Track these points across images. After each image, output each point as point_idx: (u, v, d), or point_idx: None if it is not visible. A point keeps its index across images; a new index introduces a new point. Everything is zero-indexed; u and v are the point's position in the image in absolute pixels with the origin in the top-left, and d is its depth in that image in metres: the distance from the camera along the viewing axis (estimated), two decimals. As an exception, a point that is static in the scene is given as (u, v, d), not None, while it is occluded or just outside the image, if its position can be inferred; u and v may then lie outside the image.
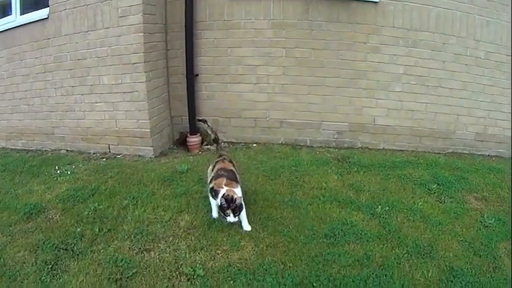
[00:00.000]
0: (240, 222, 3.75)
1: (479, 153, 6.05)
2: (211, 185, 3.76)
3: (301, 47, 5.82)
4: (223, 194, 3.53)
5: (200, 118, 4.61)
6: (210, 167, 4.19)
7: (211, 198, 3.83)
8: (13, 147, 6.67)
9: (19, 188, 4.90)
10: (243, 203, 3.62)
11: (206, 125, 4.75)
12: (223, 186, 3.63)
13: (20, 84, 6.35)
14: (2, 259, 3.49)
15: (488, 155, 6.04)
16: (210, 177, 3.94)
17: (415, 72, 5.78)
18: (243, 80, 6.04)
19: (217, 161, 4.13)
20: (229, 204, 3.49)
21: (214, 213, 3.94)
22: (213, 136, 4.74)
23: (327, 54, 5.80)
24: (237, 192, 3.63)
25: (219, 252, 3.48)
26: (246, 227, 3.74)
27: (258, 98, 6.09)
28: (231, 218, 3.54)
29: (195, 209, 4.17)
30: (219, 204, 3.55)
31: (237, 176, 3.98)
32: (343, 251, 3.46)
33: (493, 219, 3.98)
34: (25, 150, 6.52)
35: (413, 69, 5.77)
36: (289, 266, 3.28)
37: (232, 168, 4.05)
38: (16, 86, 6.39)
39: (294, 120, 6.13)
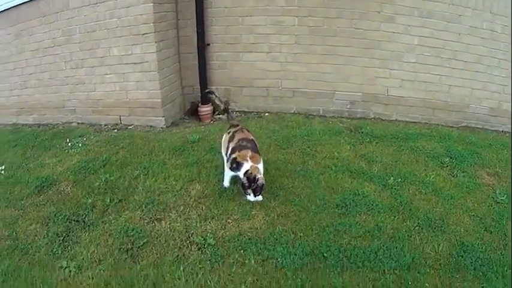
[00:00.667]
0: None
1: (492, 128, 5.95)
2: (233, 156, 3.64)
3: (314, 16, 5.71)
4: (246, 171, 3.46)
5: (208, 90, 4.50)
6: (226, 137, 4.02)
7: (227, 168, 3.80)
8: (24, 123, 6.70)
9: (30, 162, 4.93)
10: (264, 182, 3.50)
11: (214, 96, 4.62)
12: (248, 159, 3.54)
13: (30, 60, 6.34)
14: (14, 233, 3.54)
15: (502, 131, 5.93)
16: (229, 147, 3.81)
17: (429, 43, 5.66)
18: (255, 49, 5.98)
19: (236, 131, 3.96)
20: (251, 184, 3.42)
21: (226, 183, 3.94)
22: (222, 106, 4.59)
23: (340, 23, 5.70)
24: (260, 168, 3.55)
25: (230, 221, 3.49)
26: (259, 197, 3.64)
27: (270, 67, 6.04)
28: (250, 197, 3.51)
29: (206, 178, 4.17)
30: (241, 182, 3.51)
31: (257, 146, 3.89)
32: (354, 222, 3.45)
33: (505, 195, 3.93)
34: (36, 124, 6.54)
35: (428, 40, 5.65)
36: (300, 236, 3.28)
37: (253, 138, 3.94)
38: (25, 62, 6.39)
39: (306, 90, 6.07)
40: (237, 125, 4.11)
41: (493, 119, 5.96)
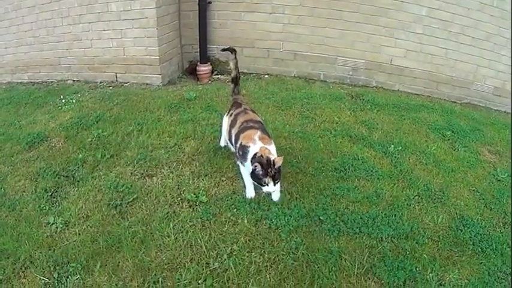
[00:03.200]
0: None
1: (495, 108, 5.90)
2: (239, 143, 3.02)
3: (321, -22, 5.59)
4: (255, 155, 2.82)
5: (228, 47, 3.72)
6: (226, 119, 3.47)
7: (239, 163, 3.14)
8: (19, 81, 6.64)
9: (23, 119, 4.86)
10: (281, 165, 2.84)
11: (233, 57, 3.63)
12: (256, 140, 2.92)
13: (26, 17, 6.22)
14: (2, 189, 3.49)
15: (505, 112, 5.87)
16: (232, 133, 3.23)
17: (438, 15, 5.53)
18: (258, 9, 5.84)
19: (238, 113, 3.30)
20: (267, 170, 2.73)
21: (222, 142, 3.80)
22: (234, 73, 3.63)
23: (347, -13, 5.58)
24: (273, 151, 2.91)
25: (224, 179, 3.41)
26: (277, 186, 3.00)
27: (273, 28, 5.92)
28: (269, 188, 2.81)
29: (201, 135, 4.11)
30: (250, 170, 2.82)
31: (266, 129, 3.27)
32: (352, 186, 3.39)
33: (506, 174, 3.89)
34: (31, 82, 6.47)
35: (436, 12, 5.52)
36: (296, 197, 3.20)
37: (260, 119, 3.33)
38: (22, 19, 6.28)
39: (308, 53, 5.97)
40: (240, 104, 3.45)
41: (496, 98, 5.89)
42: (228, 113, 3.47)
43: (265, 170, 2.71)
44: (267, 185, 2.77)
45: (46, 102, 5.30)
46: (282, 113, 4.68)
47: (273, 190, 2.84)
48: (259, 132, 2.99)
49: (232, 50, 3.65)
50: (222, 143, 3.80)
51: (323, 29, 5.79)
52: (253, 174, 2.81)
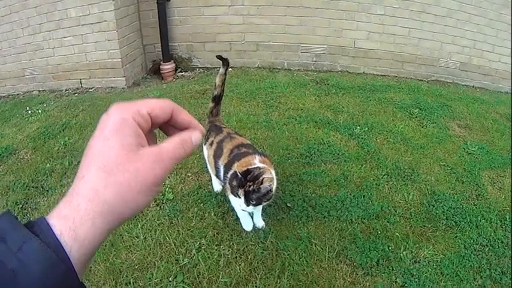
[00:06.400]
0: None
1: (463, 83, 5.99)
2: (231, 173, 2.43)
3: (278, -35, 5.57)
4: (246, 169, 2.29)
5: (224, 58, 2.84)
6: (208, 151, 2.81)
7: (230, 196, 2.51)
8: (-15, 97, 6.51)
9: (-10, 134, 4.78)
10: (273, 189, 2.31)
11: (223, 71, 2.88)
12: (257, 163, 2.38)
13: (-14, 31, 6.11)
14: None
15: (473, 86, 5.98)
16: (220, 165, 2.62)
17: (398, -5, 5.54)
18: (217, 2, 5.78)
19: (222, 140, 2.68)
20: (245, 182, 2.22)
21: (215, 185, 3.17)
22: (218, 91, 2.87)
23: (305, -27, 5.55)
24: (272, 174, 2.34)
25: (190, 175, 3.39)
26: (250, 208, 2.40)
27: (233, 20, 5.87)
28: (240, 202, 2.31)
29: (166, 134, 4.04)
30: (231, 176, 2.36)
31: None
32: (319, 171, 3.38)
33: (477, 147, 3.95)
34: (-3, 98, 6.36)
35: (396, -8, 5.53)
36: (262, 187, 3.17)
37: (249, 142, 2.78)
38: (-18, 33, 6.17)
39: (270, 43, 5.95)
40: (220, 128, 2.82)
41: (463, 73, 5.96)
42: (207, 141, 2.83)
43: (241, 182, 2.23)
44: (239, 197, 2.28)
45: (13, 115, 5.21)
46: (246, 104, 4.65)
47: (243, 208, 2.33)
48: (258, 157, 2.45)
49: (225, 62, 2.89)
50: (216, 187, 3.17)
51: (283, 18, 5.76)
52: (230, 181, 2.34)
